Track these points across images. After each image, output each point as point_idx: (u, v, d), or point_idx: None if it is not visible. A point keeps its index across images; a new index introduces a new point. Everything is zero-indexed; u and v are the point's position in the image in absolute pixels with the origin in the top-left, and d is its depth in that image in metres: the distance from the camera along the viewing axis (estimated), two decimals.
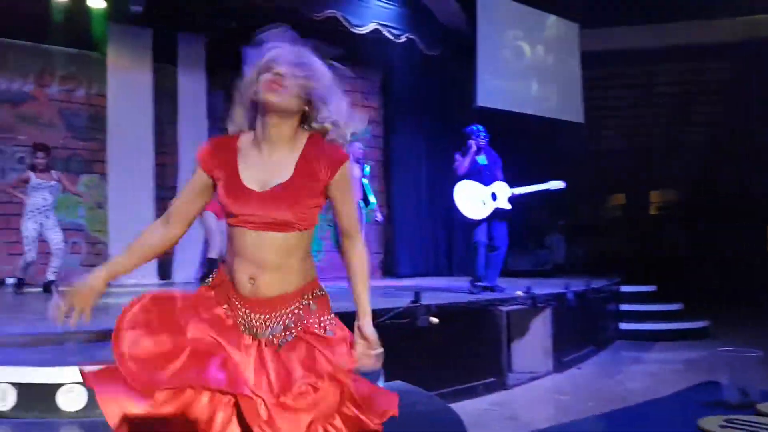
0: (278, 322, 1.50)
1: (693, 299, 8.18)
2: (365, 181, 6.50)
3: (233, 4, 7.37)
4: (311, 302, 1.56)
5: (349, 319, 1.56)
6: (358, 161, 6.49)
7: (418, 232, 9.41)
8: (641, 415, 3.48)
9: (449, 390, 4.31)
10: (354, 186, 1.61)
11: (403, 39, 8.29)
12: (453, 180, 5.86)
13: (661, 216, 11.39)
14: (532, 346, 5.51)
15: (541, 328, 5.53)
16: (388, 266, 9.32)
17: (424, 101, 9.30)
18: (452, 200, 5.75)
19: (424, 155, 9.54)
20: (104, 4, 7.10)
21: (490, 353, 4.81)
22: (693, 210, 10.65)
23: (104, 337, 2.99)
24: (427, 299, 4.46)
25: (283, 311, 1.51)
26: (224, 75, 8.78)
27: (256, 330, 1.50)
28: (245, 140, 1.58)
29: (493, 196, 5.67)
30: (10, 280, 6.39)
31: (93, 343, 2.96)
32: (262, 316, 1.50)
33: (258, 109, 1.54)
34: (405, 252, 9.19)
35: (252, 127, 1.58)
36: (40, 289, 5.75)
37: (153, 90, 7.79)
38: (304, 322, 1.52)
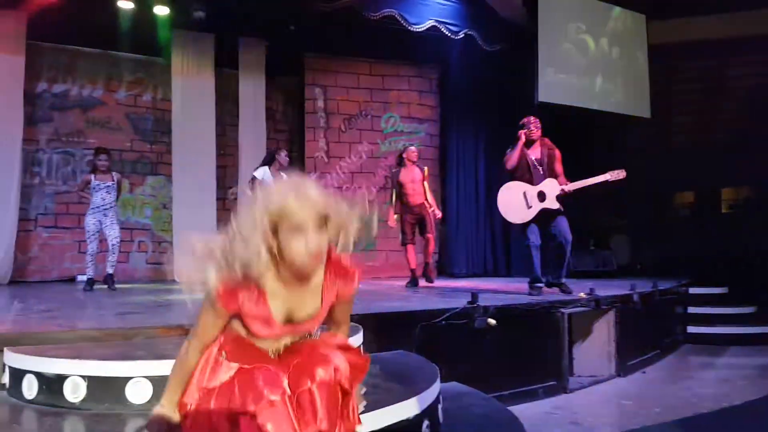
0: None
1: (766, 302, 7.75)
2: (426, 184, 6.58)
3: (292, 8, 7.49)
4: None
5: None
6: (414, 163, 6.61)
7: (474, 231, 9.28)
8: (717, 424, 3.31)
9: (507, 393, 4.23)
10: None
11: (461, 35, 8.19)
12: (503, 177, 5.65)
13: (732, 214, 10.83)
14: (595, 349, 5.33)
15: (604, 330, 5.35)
16: (443, 266, 9.22)
17: (483, 98, 9.15)
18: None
19: (482, 153, 9.39)
20: (168, 11, 7.35)
21: (551, 356, 4.69)
22: (767, 208, 10.09)
23: (169, 332, 3.09)
24: (484, 300, 4.40)
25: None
26: (283, 78, 8.96)
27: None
28: (267, 279, 1.58)
29: (541, 196, 5.38)
30: (81, 277, 6.70)
31: (159, 338, 3.05)
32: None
33: (282, 260, 1.54)
34: (461, 252, 9.08)
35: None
36: (106, 285, 6.03)
37: (215, 93, 8.01)
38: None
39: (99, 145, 7.68)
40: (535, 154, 5.50)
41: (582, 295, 5.18)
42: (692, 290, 7.63)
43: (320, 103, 8.72)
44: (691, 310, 7.39)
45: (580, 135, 9.31)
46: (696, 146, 10.29)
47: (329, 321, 1.81)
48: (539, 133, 5.54)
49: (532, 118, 5.59)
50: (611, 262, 9.27)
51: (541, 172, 5.44)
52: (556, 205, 5.35)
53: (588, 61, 8.82)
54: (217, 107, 8.09)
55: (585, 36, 8.79)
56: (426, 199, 6.54)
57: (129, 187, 8.00)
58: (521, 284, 7.21)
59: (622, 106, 9.08)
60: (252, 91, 8.28)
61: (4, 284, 6.81)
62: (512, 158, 5.48)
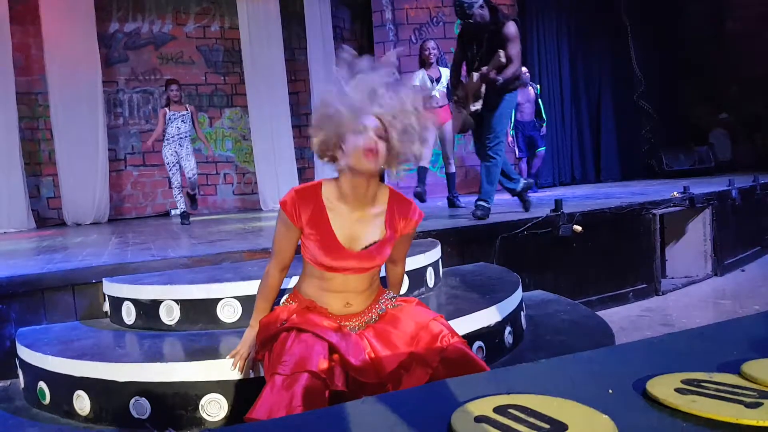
0: (363, 322, 1.83)
1: None
2: (540, 101, 7.41)
3: None
4: (385, 303, 1.88)
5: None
6: (527, 84, 7.13)
7: (560, 138, 8.89)
8: None
9: (595, 298, 4.15)
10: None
11: None
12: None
13: None
14: (689, 249, 5.09)
15: (699, 230, 5.08)
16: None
17: None
18: None
19: (566, 51, 8.84)
20: None
21: (641, 259, 4.52)
22: None
23: (254, 255, 3.21)
24: (569, 207, 4.25)
25: (365, 316, 1.84)
26: None
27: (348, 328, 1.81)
28: (330, 193, 1.77)
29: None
30: (175, 212, 7.02)
31: (244, 262, 3.17)
32: (353, 321, 1.81)
33: (345, 165, 1.70)
34: (545, 160, 8.73)
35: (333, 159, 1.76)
36: (200, 218, 6.27)
37: (281, 16, 7.89)
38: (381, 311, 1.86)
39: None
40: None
41: (675, 194, 4.90)
42: None
43: (388, 14, 8.37)
44: None
45: (671, 25, 8.54)
46: None
47: (389, 260, 1.95)
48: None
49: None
50: (709, 158, 8.69)
51: (476, 65, 4.07)
52: (474, 107, 4.05)
53: None
54: (284, 31, 7.98)
55: None
56: (536, 117, 7.35)
57: (208, 120, 8.21)
58: (611, 189, 6.95)
59: None
60: (318, 9, 8.08)
61: (104, 222, 7.28)
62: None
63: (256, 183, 8.13)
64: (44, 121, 7.35)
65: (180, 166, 6.05)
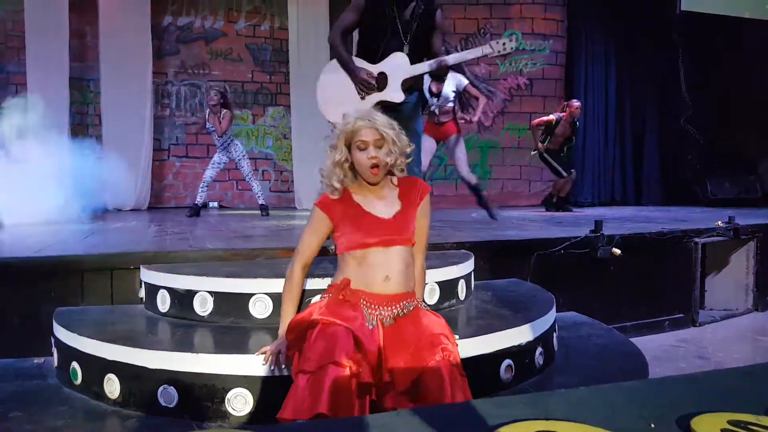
0: (394, 314, 1.93)
1: None
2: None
3: None
4: (415, 302, 2.02)
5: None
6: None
7: (602, 157, 8.75)
8: None
9: (630, 324, 4.04)
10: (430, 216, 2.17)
11: None
12: None
13: None
14: (730, 281, 4.93)
15: (742, 262, 4.92)
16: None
17: (616, 9, 8.38)
18: None
19: (613, 71, 8.73)
20: None
21: (680, 287, 4.39)
22: None
23: (288, 253, 3.22)
24: (609, 229, 4.16)
25: (398, 305, 1.94)
26: None
27: (380, 321, 1.89)
28: (353, 188, 2.07)
29: (382, 80, 3.31)
30: (213, 203, 7.16)
31: (279, 259, 3.18)
32: (386, 309, 1.91)
33: (358, 173, 2.03)
34: (586, 179, 8.60)
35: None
36: (236, 212, 6.39)
37: (329, 19, 7.96)
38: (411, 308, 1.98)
39: (222, 76, 8.05)
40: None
41: (719, 223, 4.76)
42: None
43: None
44: None
45: (724, 49, 8.34)
46: None
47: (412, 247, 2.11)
48: None
49: None
50: (756, 188, 8.42)
51: (404, 41, 3.23)
52: (399, 97, 3.23)
53: None
54: None
55: None
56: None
57: (252, 117, 8.33)
58: (651, 213, 6.81)
59: None
60: None
61: (144, 209, 7.44)
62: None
63: (292, 181, 8.22)
64: (94, 107, 7.55)
65: (221, 166, 6.32)
